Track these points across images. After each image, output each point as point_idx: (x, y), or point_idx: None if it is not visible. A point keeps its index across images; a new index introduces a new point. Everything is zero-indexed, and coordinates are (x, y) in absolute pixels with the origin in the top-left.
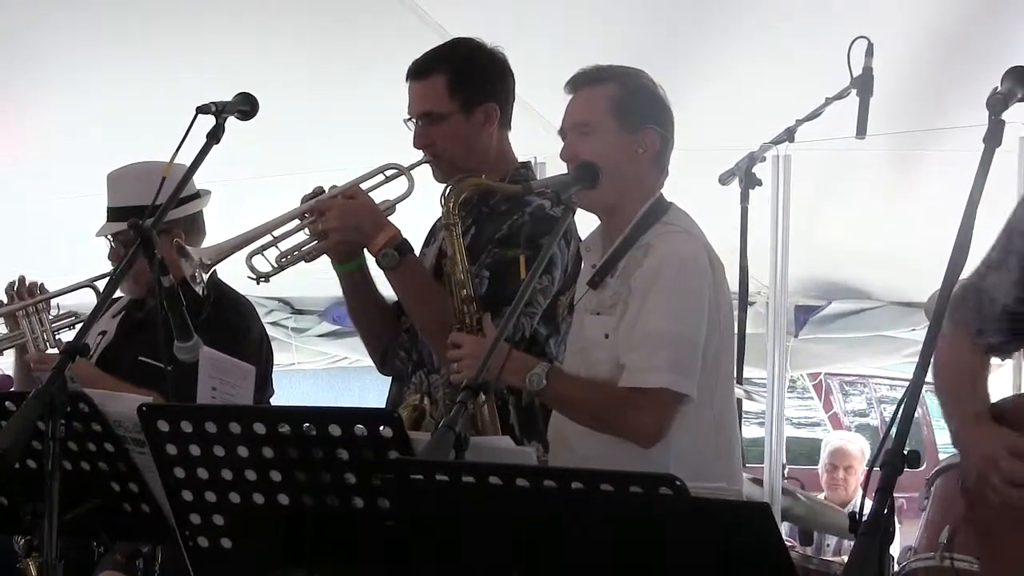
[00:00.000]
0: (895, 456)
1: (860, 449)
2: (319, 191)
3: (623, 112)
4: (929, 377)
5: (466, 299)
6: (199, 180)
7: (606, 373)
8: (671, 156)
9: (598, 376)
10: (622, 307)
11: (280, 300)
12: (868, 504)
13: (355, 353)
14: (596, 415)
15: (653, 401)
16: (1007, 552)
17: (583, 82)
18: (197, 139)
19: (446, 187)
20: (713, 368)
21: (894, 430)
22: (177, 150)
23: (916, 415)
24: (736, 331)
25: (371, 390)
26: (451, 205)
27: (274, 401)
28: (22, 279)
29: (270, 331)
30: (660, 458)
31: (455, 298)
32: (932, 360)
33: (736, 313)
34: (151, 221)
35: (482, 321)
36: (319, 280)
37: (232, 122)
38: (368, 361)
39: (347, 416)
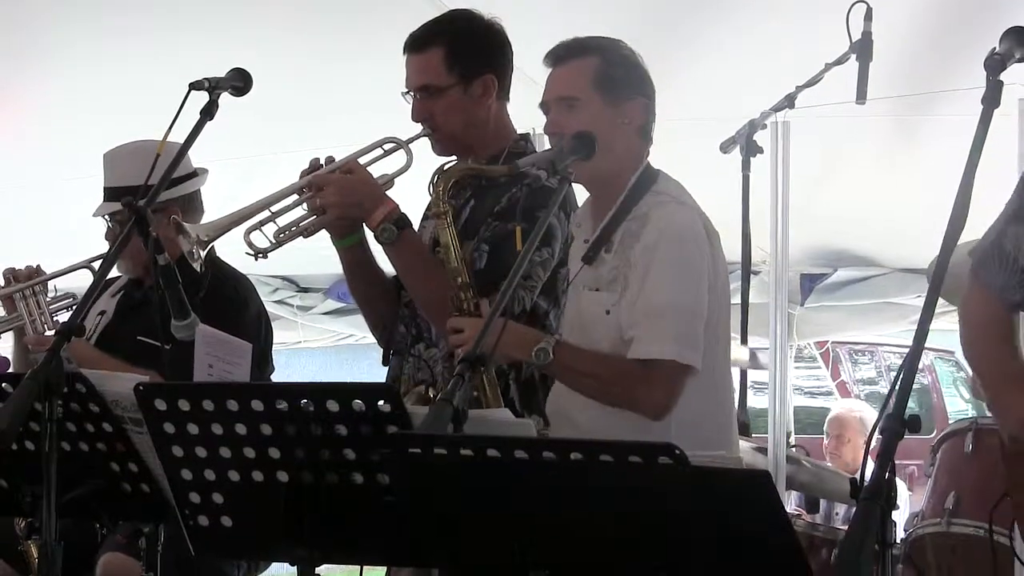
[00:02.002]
0: (895, 421)
1: (858, 417)
2: (316, 164)
3: (607, 85)
4: (932, 343)
5: (462, 286)
6: (200, 158)
7: (607, 349)
8: (656, 125)
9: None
10: (622, 282)
11: (284, 278)
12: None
13: (361, 330)
14: (604, 388)
15: (661, 373)
16: None
17: (564, 55)
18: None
19: (434, 175)
20: (712, 337)
21: (895, 395)
22: (170, 127)
23: (926, 382)
24: (740, 300)
25: (379, 367)
26: (440, 192)
27: (278, 379)
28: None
29: (275, 309)
30: (661, 428)
31: (451, 285)
32: (961, 322)
33: (740, 283)
34: (145, 200)
35: (479, 307)
36: (324, 258)
37: (233, 101)
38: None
39: (345, 391)
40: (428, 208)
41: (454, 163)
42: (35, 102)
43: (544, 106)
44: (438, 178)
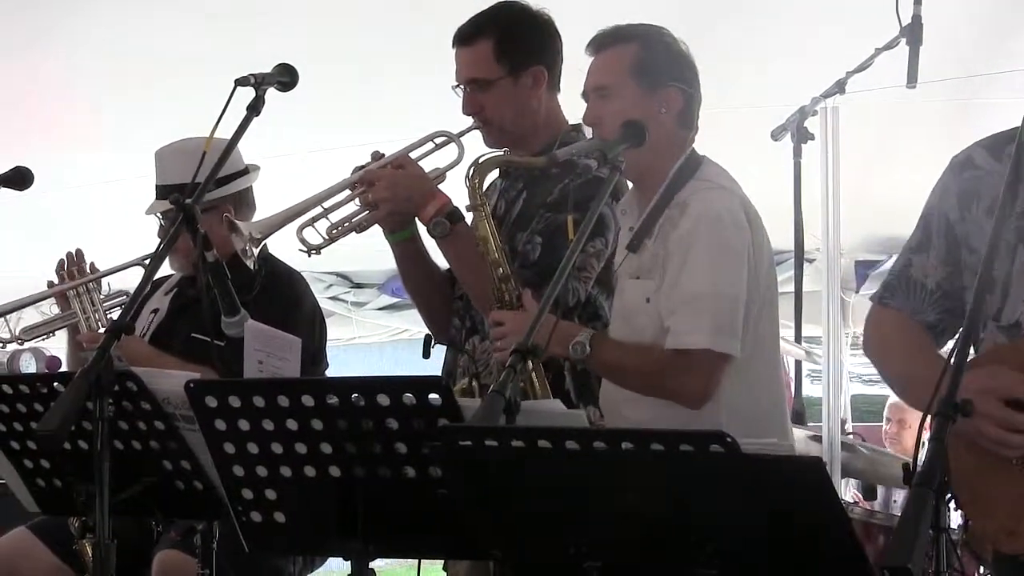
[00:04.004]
0: (947, 405)
1: None
2: (370, 160)
3: (643, 72)
4: None
5: (503, 278)
6: (250, 154)
7: (650, 337)
8: (706, 113)
9: (643, 340)
10: (660, 270)
11: (338, 274)
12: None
13: (416, 325)
14: (642, 379)
15: (697, 363)
16: (996, 499)
17: (603, 44)
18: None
19: (469, 168)
20: (755, 324)
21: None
22: (216, 124)
23: None
24: (794, 288)
25: (433, 362)
26: (475, 185)
27: (332, 375)
28: (79, 253)
29: (329, 306)
30: (711, 419)
31: (492, 277)
32: (872, 347)
33: (793, 271)
34: (193, 197)
35: (521, 298)
36: (377, 253)
37: (284, 96)
38: None
39: (395, 385)
40: (490, 184)
41: (489, 156)
42: (88, 100)
43: (585, 96)
44: (473, 172)
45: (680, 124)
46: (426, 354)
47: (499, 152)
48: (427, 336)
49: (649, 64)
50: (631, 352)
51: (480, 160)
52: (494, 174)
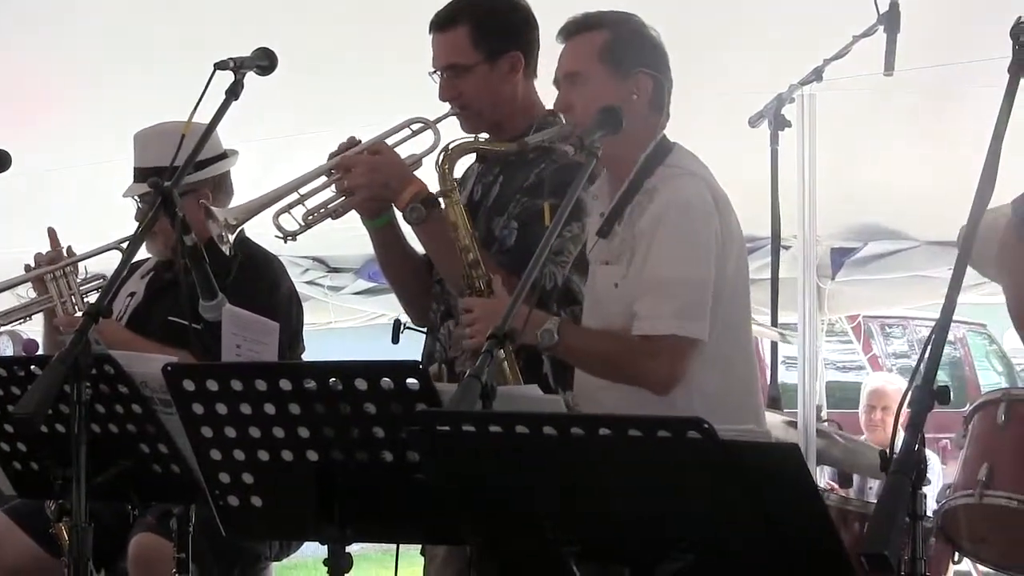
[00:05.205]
0: (924, 393)
1: (898, 390)
2: (345, 145)
3: (613, 58)
4: (964, 316)
5: (472, 263)
6: (228, 139)
7: (620, 323)
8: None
9: (612, 326)
10: (628, 256)
11: (315, 259)
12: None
13: (392, 310)
14: (609, 365)
15: (663, 348)
16: None
17: (573, 30)
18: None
19: (439, 153)
20: (725, 309)
21: (923, 367)
22: (195, 108)
23: (958, 355)
24: (770, 275)
25: (409, 347)
26: (445, 170)
27: (309, 359)
28: (52, 231)
29: (305, 290)
30: (683, 404)
31: (462, 263)
32: (1008, 266)
33: (770, 258)
34: (172, 180)
35: (492, 283)
36: (354, 237)
37: (260, 82)
38: (406, 318)
39: (373, 369)
40: (469, 167)
41: (460, 142)
42: (65, 84)
43: (557, 83)
44: (443, 157)
45: (651, 110)
46: (395, 339)
47: (469, 138)
48: (396, 321)
49: (619, 50)
50: (598, 338)
51: (450, 146)
52: (471, 159)
